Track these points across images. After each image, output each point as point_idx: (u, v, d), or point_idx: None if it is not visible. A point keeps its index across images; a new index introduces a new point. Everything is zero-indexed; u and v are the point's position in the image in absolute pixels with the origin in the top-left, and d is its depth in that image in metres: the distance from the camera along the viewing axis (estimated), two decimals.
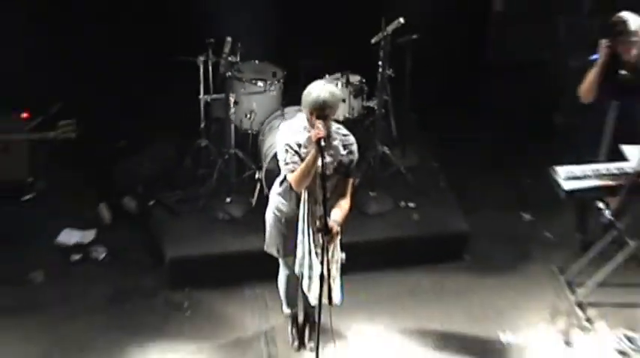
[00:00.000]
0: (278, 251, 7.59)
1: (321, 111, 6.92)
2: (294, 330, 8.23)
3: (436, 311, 8.68)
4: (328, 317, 7.22)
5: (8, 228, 9.21)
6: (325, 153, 6.91)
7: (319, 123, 6.88)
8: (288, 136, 7.17)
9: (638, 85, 8.34)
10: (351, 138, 7.30)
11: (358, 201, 9.47)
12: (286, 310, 8.21)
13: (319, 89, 7.00)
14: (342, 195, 7.37)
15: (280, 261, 7.76)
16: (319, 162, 6.83)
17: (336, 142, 7.18)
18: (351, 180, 7.39)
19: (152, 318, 8.47)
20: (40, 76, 10.09)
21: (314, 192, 7.17)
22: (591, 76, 8.52)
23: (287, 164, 7.12)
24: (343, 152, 7.20)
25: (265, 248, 7.64)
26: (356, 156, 7.33)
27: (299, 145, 7.10)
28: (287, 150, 7.12)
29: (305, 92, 7.05)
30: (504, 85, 10.97)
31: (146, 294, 8.78)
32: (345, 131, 7.34)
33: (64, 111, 9.84)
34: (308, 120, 7.05)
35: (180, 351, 8.08)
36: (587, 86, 8.58)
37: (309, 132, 7.03)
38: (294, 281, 7.79)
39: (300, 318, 8.26)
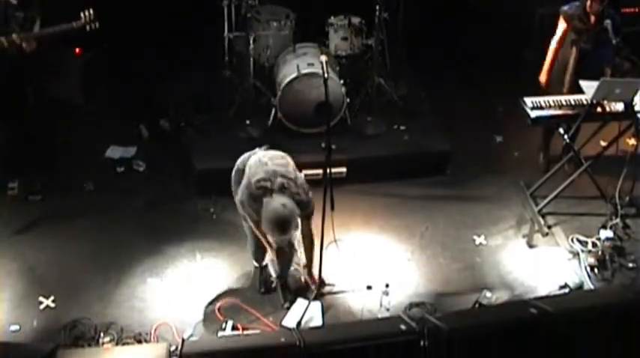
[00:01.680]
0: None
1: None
2: (260, 278, 7.80)
3: (422, 217, 8.75)
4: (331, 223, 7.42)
5: (65, 145, 9.20)
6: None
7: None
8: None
9: (596, 34, 8.39)
10: (300, 180, 6.85)
11: (357, 124, 9.60)
12: (255, 263, 7.79)
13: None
14: (306, 237, 7.26)
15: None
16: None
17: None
18: (310, 222, 7.13)
19: (184, 221, 8.53)
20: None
21: None
22: (547, 66, 8.86)
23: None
24: (298, 211, 6.66)
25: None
26: (309, 196, 6.88)
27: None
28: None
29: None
30: (483, 26, 10.90)
31: (179, 201, 8.83)
32: (291, 175, 6.78)
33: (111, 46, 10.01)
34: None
35: (207, 249, 8.18)
36: (546, 78, 8.93)
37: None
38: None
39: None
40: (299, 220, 6.83)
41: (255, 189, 6.65)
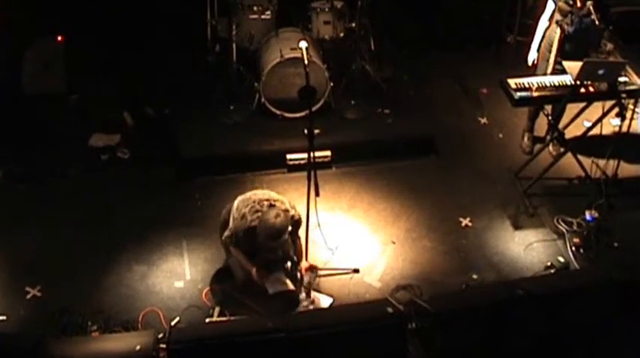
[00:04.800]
0: None
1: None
2: None
3: (407, 199, 8.74)
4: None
5: (49, 133, 9.18)
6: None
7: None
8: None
9: (580, 17, 8.33)
10: (286, 200, 6.93)
11: (341, 108, 9.59)
12: None
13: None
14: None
15: None
16: None
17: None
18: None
19: (168, 207, 8.49)
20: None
21: None
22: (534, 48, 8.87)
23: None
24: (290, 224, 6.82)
25: None
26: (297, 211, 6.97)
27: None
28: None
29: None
30: (465, 11, 10.94)
31: (163, 187, 8.76)
32: (276, 197, 6.90)
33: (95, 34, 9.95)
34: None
35: (193, 235, 8.15)
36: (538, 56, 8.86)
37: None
38: None
39: None
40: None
41: (249, 220, 6.74)
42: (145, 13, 10.20)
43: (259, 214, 6.70)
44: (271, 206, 6.76)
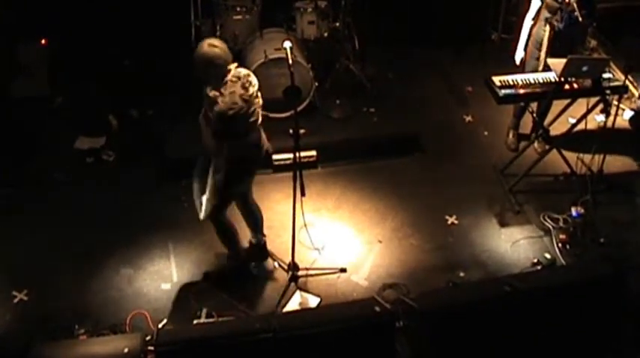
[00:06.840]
0: None
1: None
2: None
3: (393, 198, 8.76)
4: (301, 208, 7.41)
5: (34, 137, 9.20)
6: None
7: None
8: None
9: (569, 13, 8.37)
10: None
11: (326, 108, 9.62)
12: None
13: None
14: None
15: None
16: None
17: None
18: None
19: (154, 209, 8.49)
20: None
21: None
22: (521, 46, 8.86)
23: None
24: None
25: None
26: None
27: None
28: None
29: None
30: (449, 9, 10.96)
31: (149, 189, 8.76)
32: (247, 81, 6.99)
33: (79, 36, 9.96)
34: None
35: (179, 238, 8.16)
36: (524, 55, 8.89)
37: None
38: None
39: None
40: None
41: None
42: (128, 15, 10.18)
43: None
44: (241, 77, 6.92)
